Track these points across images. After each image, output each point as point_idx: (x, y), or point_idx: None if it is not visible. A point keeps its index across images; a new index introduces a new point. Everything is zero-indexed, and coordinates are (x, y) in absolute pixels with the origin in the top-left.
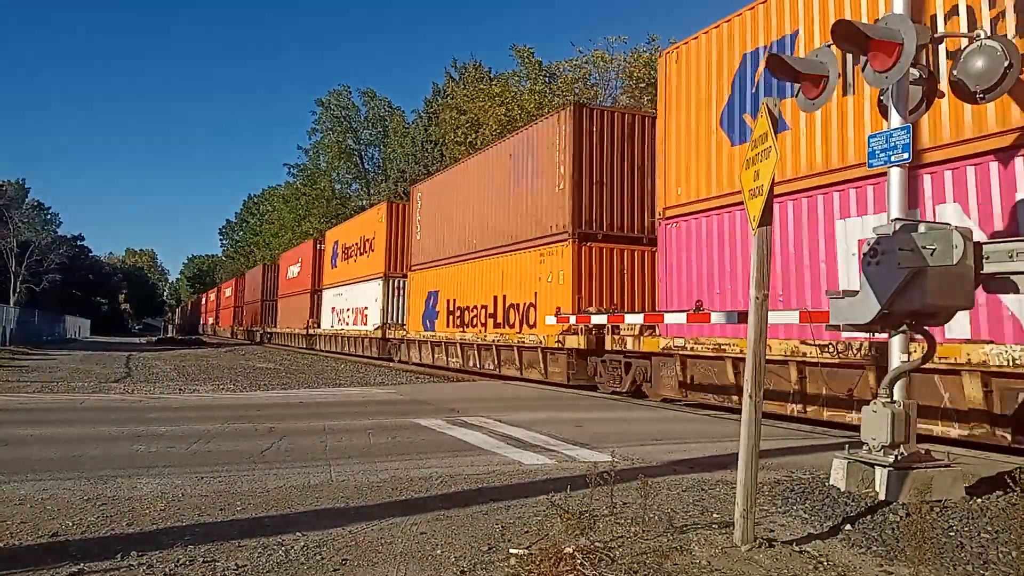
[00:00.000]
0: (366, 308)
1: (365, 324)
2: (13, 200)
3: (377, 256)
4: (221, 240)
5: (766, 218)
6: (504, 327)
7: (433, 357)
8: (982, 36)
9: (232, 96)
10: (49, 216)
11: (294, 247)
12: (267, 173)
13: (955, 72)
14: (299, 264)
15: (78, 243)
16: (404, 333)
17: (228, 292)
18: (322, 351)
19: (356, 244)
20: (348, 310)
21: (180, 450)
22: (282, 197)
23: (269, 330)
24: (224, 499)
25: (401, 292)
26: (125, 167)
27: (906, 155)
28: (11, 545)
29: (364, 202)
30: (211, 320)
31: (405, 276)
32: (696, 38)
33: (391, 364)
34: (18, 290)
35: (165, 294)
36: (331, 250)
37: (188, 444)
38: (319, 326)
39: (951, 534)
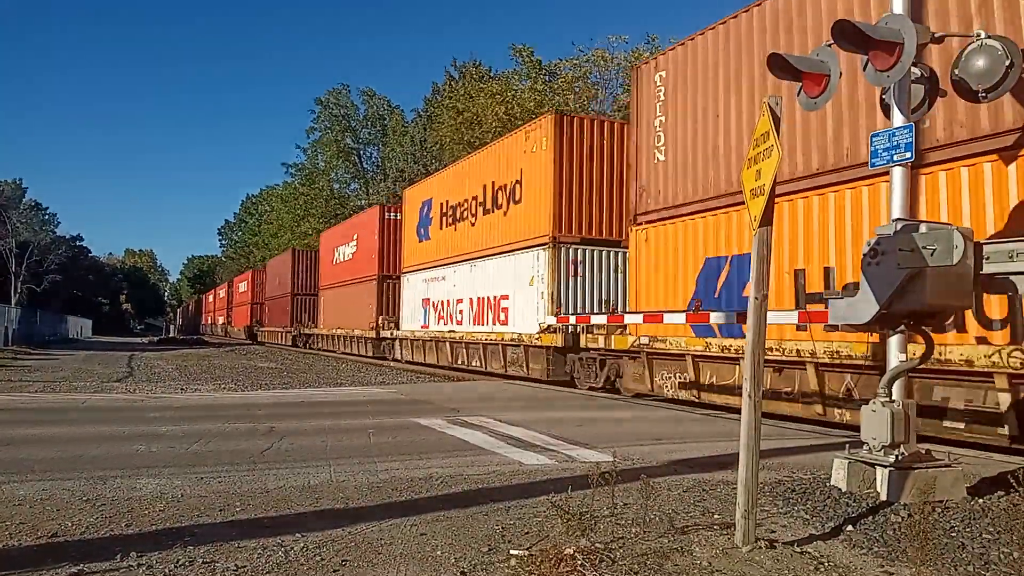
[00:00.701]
0: (505, 297)
1: (505, 324)
2: (11, 200)
3: (533, 210)
4: (220, 240)
5: (767, 218)
6: None
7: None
8: (982, 35)
9: (230, 95)
10: (47, 216)
11: (342, 221)
12: (266, 173)
13: (956, 71)
14: (354, 243)
15: (77, 243)
16: (633, 339)
17: (243, 287)
18: (411, 364)
19: (475, 198)
20: (464, 302)
21: (180, 450)
22: (280, 197)
23: (308, 331)
24: (224, 499)
25: (586, 266)
26: (122, 167)
27: (909, 154)
28: (10, 546)
29: (363, 201)
30: (221, 320)
31: (598, 240)
32: None
33: (585, 392)
34: (19, 290)
35: (166, 294)
36: (417, 214)
37: (188, 444)
38: (398, 326)
39: (952, 534)
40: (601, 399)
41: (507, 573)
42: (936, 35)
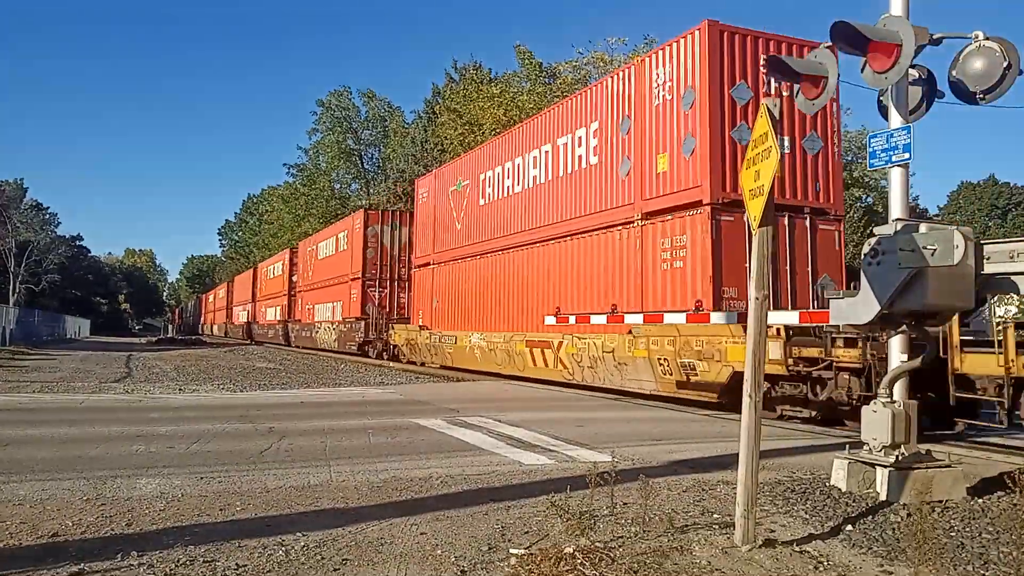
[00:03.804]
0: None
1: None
2: (11, 200)
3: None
4: (220, 240)
5: (767, 218)
6: None
7: None
8: (980, 37)
9: (231, 96)
10: (47, 216)
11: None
12: (266, 173)
13: (954, 73)
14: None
15: (77, 243)
16: None
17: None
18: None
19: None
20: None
21: (180, 450)
22: (281, 197)
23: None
24: (224, 499)
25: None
26: (123, 167)
27: (907, 155)
28: (11, 545)
29: (364, 202)
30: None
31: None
32: None
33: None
34: (17, 290)
35: (165, 294)
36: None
37: (188, 444)
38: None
39: (952, 534)
40: (603, 400)
41: (507, 572)
42: (934, 36)
